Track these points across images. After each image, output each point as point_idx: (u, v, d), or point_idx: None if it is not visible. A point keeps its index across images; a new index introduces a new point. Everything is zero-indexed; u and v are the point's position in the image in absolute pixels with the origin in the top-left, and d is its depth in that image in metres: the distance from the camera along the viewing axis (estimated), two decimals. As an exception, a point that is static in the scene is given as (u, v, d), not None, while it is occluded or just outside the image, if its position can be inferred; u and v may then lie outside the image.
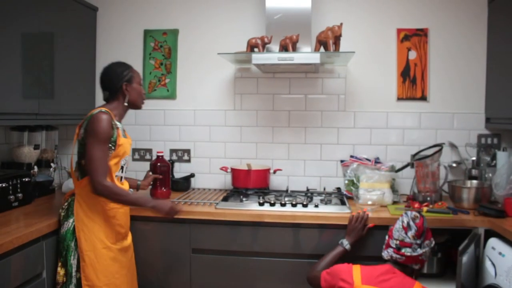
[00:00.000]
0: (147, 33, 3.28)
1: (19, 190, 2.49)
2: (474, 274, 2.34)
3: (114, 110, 2.26)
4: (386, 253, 2.08)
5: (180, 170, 3.26)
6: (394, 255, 2.02)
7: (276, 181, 3.19)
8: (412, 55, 3.05)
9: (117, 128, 2.22)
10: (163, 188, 2.82)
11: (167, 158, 3.22)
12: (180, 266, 2.58)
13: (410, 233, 2.01)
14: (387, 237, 2.12)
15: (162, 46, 3.26)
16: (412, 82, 3.05)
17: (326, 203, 2.70)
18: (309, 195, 2.93)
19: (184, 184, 3.13)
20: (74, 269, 2.14)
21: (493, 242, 2.27)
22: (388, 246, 2.08)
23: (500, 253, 2.15)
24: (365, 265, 2.05)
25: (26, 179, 2.55)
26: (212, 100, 3.24)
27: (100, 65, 3.25)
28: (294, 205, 2.58)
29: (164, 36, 3.26)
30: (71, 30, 2.95)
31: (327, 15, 3.06)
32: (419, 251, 2.00)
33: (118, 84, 2.27)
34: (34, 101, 2.58)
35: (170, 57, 3.26)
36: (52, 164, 2.98)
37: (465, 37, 3.02)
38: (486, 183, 2.75)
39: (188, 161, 3.26)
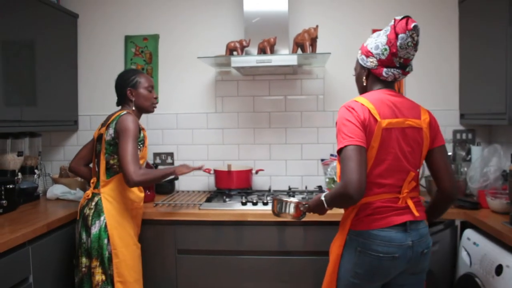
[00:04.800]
0: (128, 39, 3.32)
1: (3, 197, 2.50)
2: (450, 265, 2.43)
3: (135, 116, 2.42)
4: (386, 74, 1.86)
5: (164, 173, 3.29)
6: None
7: (259, 182, 3.24)
8: (388, 54, 3.12)
9: (143, 129, 2.41)
10: (147, 191, 2.86)
11: (151, 161, 3.26)
12: (166, 267, 2.62)
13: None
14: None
15: (143, 52, 3.30)
16: (388, 81, 3.13)
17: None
18: (291, 194, 2.99)
19: (168, 187, 3.16)
20: (106, 264, 2.23)
21: (468, 233, 2.36)
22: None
23: (474, 243, 2.24)
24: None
25: (10, 186, 2.56)
26: (193, 103, 3.29)
27: (82, 71, 3.32)
28: (276, 204, 2.64)
29: (145, 42, 3.30)
30: (52, 37, 2.98)
31: (304, 17, 3.14)
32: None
33: (124, 90, 2.44)
34: (17, 108, 2.60)
35: (151, 62, 3.30)
36: (36, 171, 3.00)
37: (438, 35, 3.11)
38: (462, 177, 2.83)
39: (172, 164, 3.30)
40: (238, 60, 2.73)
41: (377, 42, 1.83)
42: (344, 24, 3.17)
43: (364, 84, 1.92)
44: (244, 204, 2.66)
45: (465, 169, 2.91)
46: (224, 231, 2.58)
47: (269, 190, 3.11)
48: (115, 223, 2.26)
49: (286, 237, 2.55)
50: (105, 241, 2.23)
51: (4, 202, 2.50)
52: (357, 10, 3.16)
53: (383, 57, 1.82)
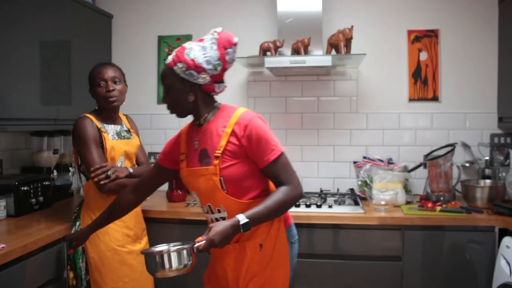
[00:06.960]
0: (161, 39, 3.34)
1: (39, 193, 2.56)
2: (488, 273, 2.35)
3: (100, 114, 2.31)
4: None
5: (195, 173, 3.30)
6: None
7: (290, 183, 3.21)
8: (423, 56, 3.07)
9: (103, 131, 2.24)
10: (178, 190, 2.87)
11: (182, 161, 3.27)
12: (196, 266, 2.61)
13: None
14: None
15: (176, 52, 3.32)
16: (423, 83, 3.07)
17: (339, 204, 2.72)
18: (322, 196, 2.94)
19: (199, 187, 3.16)
20: (83, 272, 2.16)
21: (507, 240, 2.27)
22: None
23: (514, 251, 2.16)
24: None
25: (46, 183, 2.62)
26: (225, 103, 3.27)
27: (116, 71, 3.36)
28: (308, 206, 2.62)
29: (178, 42, 3.32)
30: (87, 37, 3.02)
31: (338, 18, 3.09)
32: None
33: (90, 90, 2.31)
34: (53, 107, 2.65)
35: (184, 62, 3.31)
36: (70, 168, 3.05)
37: (475, 37, 3.03)
38: (500, 182, 2.75)
39: (203, 164, 3.30)
40: (272, 61, 2.71)
41: (207, 57, 1.75)
42: (378, 26, 3.12)
43: (191, 100, 1.79)
44: (275, 205, 2.64)
45: (504, 174, 2.82)
46: (255, 232, 2.56)
47: (300, 192, 3.08)
48: None
49: (316, 240, 2.51)
50: (80, 248, 2.16)
51: (40, 198, 2.55)
52: (392, 12, 3.11)
53: (215, 73, 1.78)
